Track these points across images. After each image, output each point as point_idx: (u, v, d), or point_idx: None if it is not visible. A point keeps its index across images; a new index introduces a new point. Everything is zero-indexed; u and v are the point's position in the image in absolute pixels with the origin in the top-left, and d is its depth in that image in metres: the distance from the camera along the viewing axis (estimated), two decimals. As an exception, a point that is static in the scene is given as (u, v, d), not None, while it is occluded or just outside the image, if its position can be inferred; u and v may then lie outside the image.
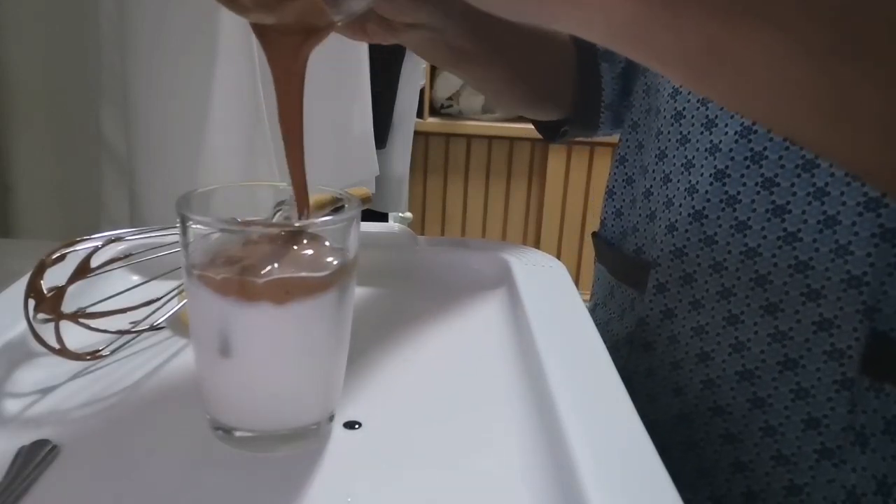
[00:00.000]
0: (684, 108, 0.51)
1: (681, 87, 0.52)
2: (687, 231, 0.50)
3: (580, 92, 0.62)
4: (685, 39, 0.28)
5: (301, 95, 0.36)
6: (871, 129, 0.28)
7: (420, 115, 2.01)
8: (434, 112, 2.31)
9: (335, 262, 0.35)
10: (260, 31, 0.35)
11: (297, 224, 0.38)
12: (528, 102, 0.64)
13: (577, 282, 0.55)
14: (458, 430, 0.40)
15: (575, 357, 0.43)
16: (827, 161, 0.43)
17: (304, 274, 0.35)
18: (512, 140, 2.28)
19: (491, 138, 2.28)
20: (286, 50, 0.35)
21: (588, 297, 0.66)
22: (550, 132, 0.67)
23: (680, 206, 0.50)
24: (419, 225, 2.34)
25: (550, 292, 0.53)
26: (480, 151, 2.31)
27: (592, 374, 0.42)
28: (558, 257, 0.59)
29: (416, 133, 1.67)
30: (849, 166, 0.35)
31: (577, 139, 0.68)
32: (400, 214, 1.59)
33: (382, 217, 1.56)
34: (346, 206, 0.38)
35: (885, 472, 0.43)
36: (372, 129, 1.09)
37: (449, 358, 0.48)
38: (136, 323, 0.47)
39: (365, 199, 0.56)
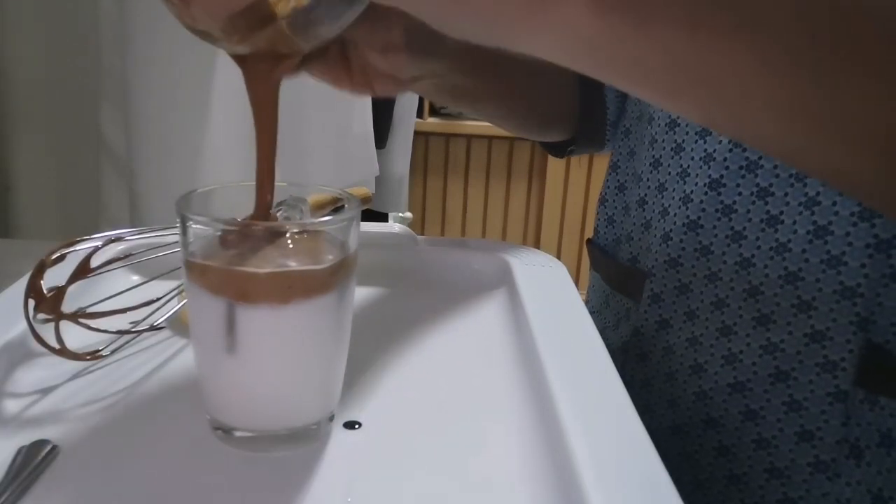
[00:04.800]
0: (678, 117, 0.51)
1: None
2: (682, 241, 0.49)
3: (584, 113, 0.62)
4: (651, 58, 0.28)
5: (275, 118, 0.37)
6: (838, 137, 0.28)
7: (420, 115, 2.01)
8: (434, 112, 2.31)
9: (335, 259, 0.35)
10: (237, 58, 0.37)
11: (297, 223, 0.38)
12: (533, 128, 0.64)
13: (576, 282, 0.54)
14: (458, 431, 0.40)
15: (575, 357, 0.43)
16: (804, 172, 0.43)
17: (305, 268, 0.35)
18: (512, 140, 2.28)
19: (491, 138, 2.29)
20: (259, 75, 0.37)
21: (586, 299, 0.66)
22: (557, 149, 0.67)
23: (675, 215, 0.50)
24: (419, 225, 2.34)
25: (550, 293, 0.53)
26: (480, 151, 2.31)
27: (592, 374, 0.41)
28: (558, 258, 0.59)
29: (416, 133, 1.67)
30: (820, 176, 0.35)
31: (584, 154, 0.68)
32: (400, 214, 1.59)
33: (382, 217, 1.56)
34: (346, 206, 0.38)
35: (881, 485, 0.43)
36: (372, 129, 1.09)
37: (449, 358, 0.48)
38: (135, 323, 0.47)
39: (365, 199, 0.56)
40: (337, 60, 0.44)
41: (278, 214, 0.41)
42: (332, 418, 0.39)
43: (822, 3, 0.27)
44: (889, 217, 0.40)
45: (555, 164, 2.27)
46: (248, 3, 0.32)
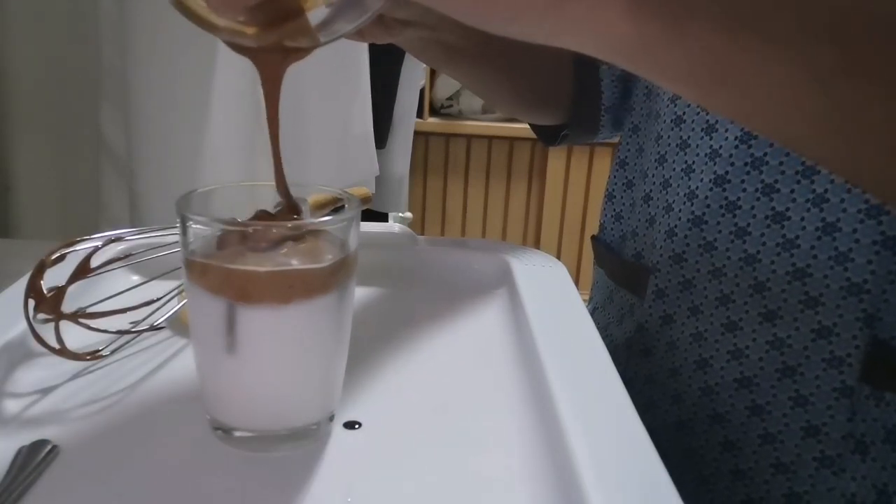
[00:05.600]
0: (684, 113, 0.51)
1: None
2: (686, 237, 0.50)
3: (579, 95, 0.62)
4: (689, 57, 0.28)
5: (278, 95, 0.37)
6: (874, 144, 0.29)
7: (420, 115, 2.01)
8: (434, 112, 2.31)
9: (335, 259, 0.35)
10: (238, 48, 0.36)
11: (297, 223, 0.38)
12: (526, 104, 0.63)
13: (576, 283, 0.55)
14: (458, 431, 0.40)
15: (575, 358, 0.43)
16: (831, 172, 0.43)
17: (305, 267, 0.35)
18: (512, 140, 2.28)
19: (491, 138, 2.28)
20: (270, 64, 0.36)
21: (587, 298, 0.66)
22: (549, 136, 0.66)
23: (679, 211, 0.50)
24: (419, 225, 2.34)
25: (550, 293, 0.53)
26: (480, 151, 2.31)
27: (592, 374, 0.42)
28: (558, 258, 0.59)
29: (416, 133, 1.67)
30: (853, 179, 0.36)
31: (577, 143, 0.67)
32: (400, 214, 1.59)
33: (382, 217, 1.56)
34: (347, 206, 0.38)
35: (886, 480, 0.43)
36: (372, 129, 1.09)
37: (449, 358, 0.48)
38: (135, 323, 0.47)
39: (365, 199, 0.56)
40: None
41: (278, 214, 0.41)
42: (332, 418, 0.39)
43: (822, 5, 0.27)
44: None
45: (555, 164, 2.27)
46: None
